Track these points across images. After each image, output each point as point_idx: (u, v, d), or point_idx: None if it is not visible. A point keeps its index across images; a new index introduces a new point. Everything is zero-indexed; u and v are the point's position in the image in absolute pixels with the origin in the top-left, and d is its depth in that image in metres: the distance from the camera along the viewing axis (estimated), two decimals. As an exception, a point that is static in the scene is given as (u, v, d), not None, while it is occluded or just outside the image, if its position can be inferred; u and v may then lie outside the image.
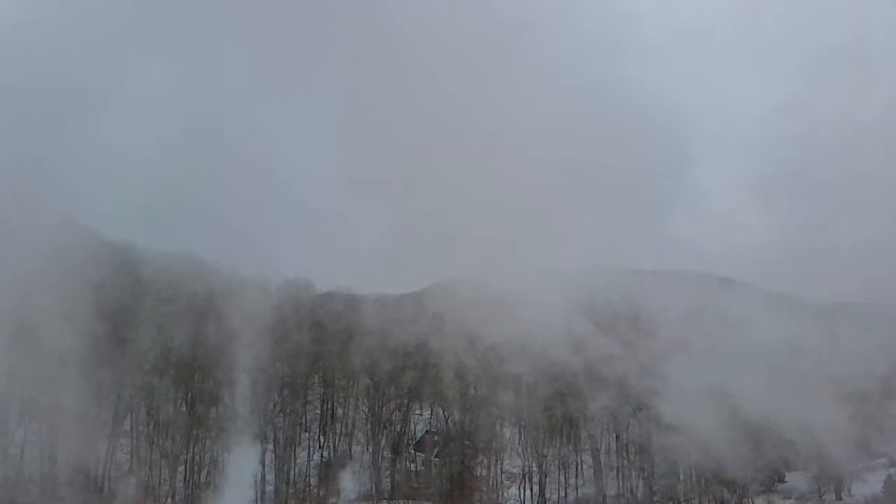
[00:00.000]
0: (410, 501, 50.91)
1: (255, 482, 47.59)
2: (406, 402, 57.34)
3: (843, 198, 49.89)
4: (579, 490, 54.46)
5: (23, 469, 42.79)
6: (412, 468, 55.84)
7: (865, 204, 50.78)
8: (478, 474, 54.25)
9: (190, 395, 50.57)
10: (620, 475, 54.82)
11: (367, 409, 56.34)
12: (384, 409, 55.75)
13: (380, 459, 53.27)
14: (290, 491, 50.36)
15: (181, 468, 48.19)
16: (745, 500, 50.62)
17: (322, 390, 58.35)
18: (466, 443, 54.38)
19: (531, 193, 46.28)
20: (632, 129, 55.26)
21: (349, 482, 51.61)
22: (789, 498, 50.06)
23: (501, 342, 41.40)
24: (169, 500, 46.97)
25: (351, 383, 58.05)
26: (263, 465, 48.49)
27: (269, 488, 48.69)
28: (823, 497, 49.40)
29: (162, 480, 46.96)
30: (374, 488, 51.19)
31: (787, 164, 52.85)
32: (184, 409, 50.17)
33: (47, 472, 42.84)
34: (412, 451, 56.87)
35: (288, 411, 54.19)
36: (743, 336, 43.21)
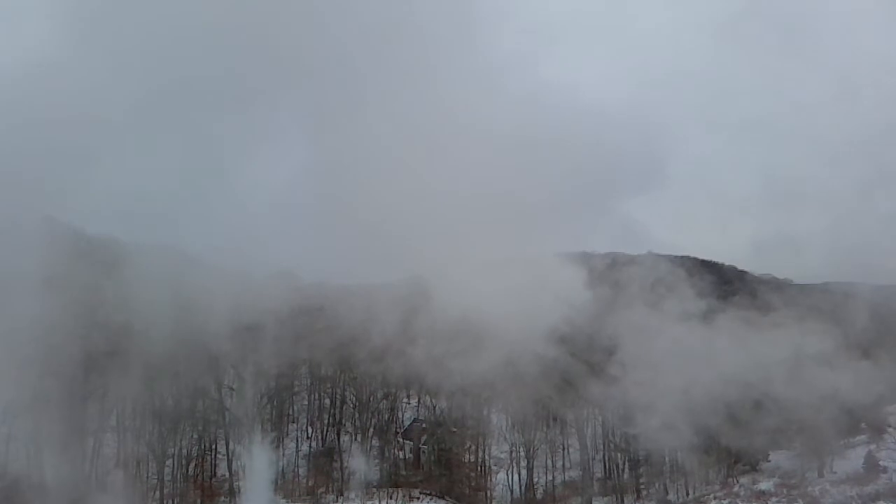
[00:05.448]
0: (399, 489, 51.17)
1: (244, 474, 47.63)
2: (393, 391, 57.61)
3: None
4: (566, 473, 55.07)
5: (8, 468, 42.61)
6: (401, 456, 56.22)
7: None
8: (466, 460, 54.65)
9: (176, 388, 50.43)
10: (607, 458, 55.48)
11: (354, 399, 56.59)
12: (371, 399, 56.02)
13: (368, 449, 53.56)
14: (279, 482, 50.50)
15: (169, 462, 48.20)
16: (729, 480, 51.19)
17: (309, 381, 58.52)
18: (454, 430, 54.77)
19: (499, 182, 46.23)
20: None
21: (338, 472, 51.90)
22: (773, 476, 50.57)
23: (483, 331, 41.46)
24: (157, 494, 46.95)
25: (338, 373, 58.24)
26: (252, 458, 48.42)
27: (259, 480, 48.64)
28: (806, 475, 49.95)
29: (150, 475, 46.91)
30: (363, 477, 51.35)
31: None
32: (170, 402, 50.05)
33: (34, 469, 42.65)
34: (400, 440, 57.23)
35: (275, 403, 54.32)
36: (720, 316, 43.63)
